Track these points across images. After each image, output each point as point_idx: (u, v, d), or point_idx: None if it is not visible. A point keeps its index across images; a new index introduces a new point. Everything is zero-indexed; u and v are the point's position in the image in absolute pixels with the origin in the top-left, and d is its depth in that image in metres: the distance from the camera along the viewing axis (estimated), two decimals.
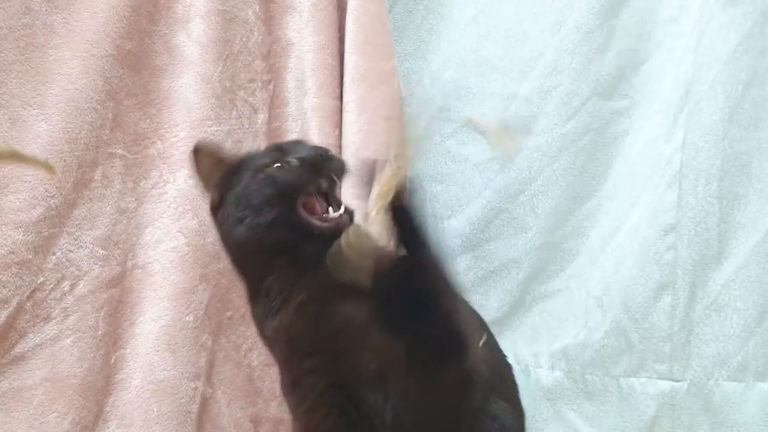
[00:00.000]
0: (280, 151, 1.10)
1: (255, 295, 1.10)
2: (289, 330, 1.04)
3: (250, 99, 1.46)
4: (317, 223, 1.02)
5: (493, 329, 1.60)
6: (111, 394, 1.32)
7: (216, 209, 1.11)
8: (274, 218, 1.02)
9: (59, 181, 1.25)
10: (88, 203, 1.31)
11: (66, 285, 1.28)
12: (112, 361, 1.32)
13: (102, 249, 1.32)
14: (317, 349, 1.02)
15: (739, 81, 1.45)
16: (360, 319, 1.00)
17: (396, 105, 1.53)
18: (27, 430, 1.23)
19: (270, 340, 1.11)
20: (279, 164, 1.05)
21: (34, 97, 1.25)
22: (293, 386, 1.06)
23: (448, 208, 1.66)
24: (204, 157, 1.14)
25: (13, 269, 1.22)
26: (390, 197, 0.95)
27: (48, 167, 1.09)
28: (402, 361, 0.99)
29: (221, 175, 1.10)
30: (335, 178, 1.06)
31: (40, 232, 1.24)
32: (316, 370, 1.02)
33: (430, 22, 1.68)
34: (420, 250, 0.98)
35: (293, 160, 1.06)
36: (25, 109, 1.24)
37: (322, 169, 1.05)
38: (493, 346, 1.33)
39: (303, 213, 1.02)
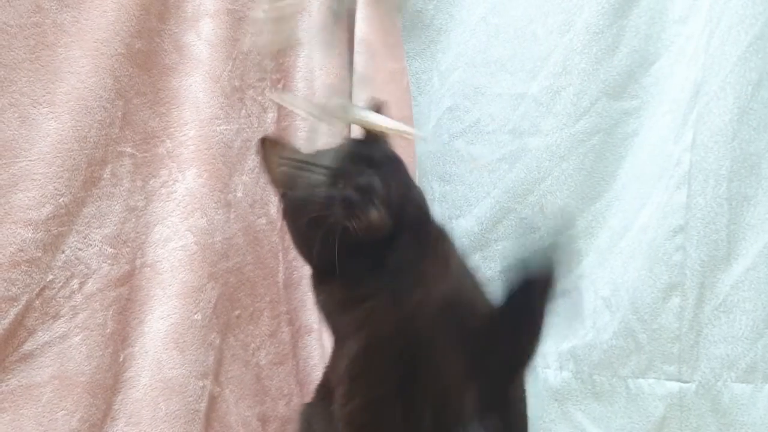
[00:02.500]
0: (336, 168, 1.06)
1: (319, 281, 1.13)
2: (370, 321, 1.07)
3: (260, 98, 1.47)
4: (354, 229, 1.01)
5: None
6: (119, 392, 1.32)
7: (280, 203, 1.14)
8: (319, 241, 1.03)
9: (68, 179, 1.25)
10: (97, 201, 1.31)
11: (75, 283, 1.28)
12: (121, 359, 1.32)
13: (111, 247, 1.32)
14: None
15: (748, 82, 1.45)
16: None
17: (405, 105, 1.53)
18: (35, 428, 1.23)
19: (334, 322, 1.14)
20: (326, 186, 1.05)
21: (44, 96, 1.25)
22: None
23: (456, 208, 1.66)
24: (269, 151, 1.13)
25: (23, 267, 1.22)
26: None
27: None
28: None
29: (283, 172, 1.11)
30: (372, 207, 1.03)
31: (50, 230, 1.24)
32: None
33: (439, 22, 1.68)
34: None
35: (340, 185, 1.04)
36: (34, 107, 1.24)
37: (354, 204, 1.02)
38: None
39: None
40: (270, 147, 1.13)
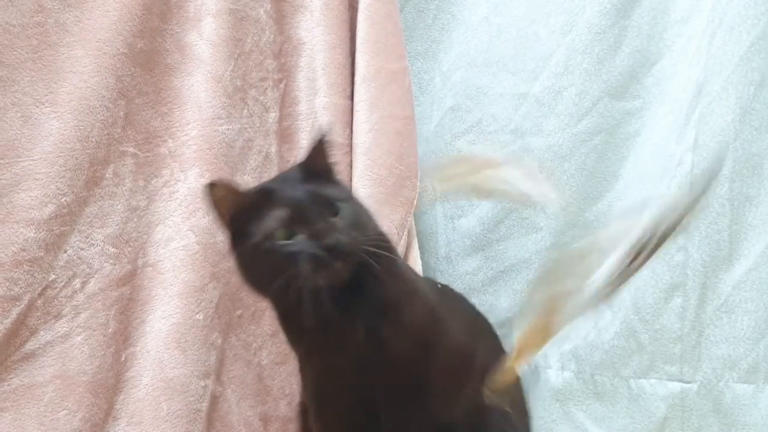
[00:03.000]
0: (292, 214, 1.03)
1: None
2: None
3: (261, 98, 1.47)
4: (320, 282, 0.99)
5: (503, 330, 1.61)
6: (121, 391, 1.32)
7: (229, 246, 1.10)
8: (279, 289, 1.00)
9: (70, 179, 1.25)
10: (99, 201, 1.31)
11: (77, 283, 1.28)
12: (123, 358, 1.32)
13: (113, 247, 1.32)
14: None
15: (751, 82, 1.45)
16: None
17: (407, 105, 1.54)
18: (37, 428, 1.23)
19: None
20: (284, 236, 1.02)
21: (46, 95, 1.25)
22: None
23: (458, 208, 1.66)
24: (215, 197, 1.07)
25: (25, 267, 1.22)
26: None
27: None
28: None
29: (234, 213, 1.07)
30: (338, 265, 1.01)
31: (52, 230, 1.24)
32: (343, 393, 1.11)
33: (442, 22, 1.68)
34: None
35: (300, 235, 1.01)
36: (37, 107, 1.24)
37: (320, 261, 0.99)
38: (497, 349, 1.34)
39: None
40: (219, 191, 1.07)
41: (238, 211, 1.05)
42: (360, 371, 1.07)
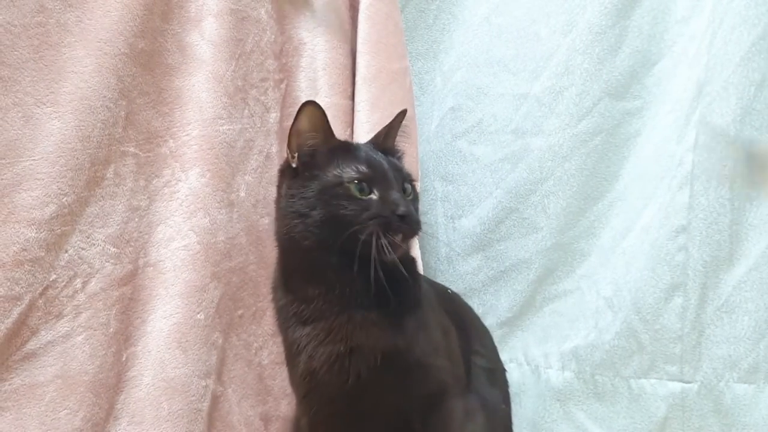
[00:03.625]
0: (372, 170, 1.07)
1: (287, 286, 1.14)
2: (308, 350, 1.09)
3: (263, 98, 1.47)
4: (388, 256, 1.02)
5: (504, 329, 1.62)
6: (122, 391, 1.32)
7: (284, 172, 1.14)
8: (328, 237, 1.04)
9: (71, 179, 1.26)
10: (100, 201, 1.31)
11: (78, 282, 1.28)
12: (124, 358, 1.32)
13: (114, 247, 1.32)
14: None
15: (751, 82, 1.44)
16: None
17: (408, 104, 1.53)
18: (38, 427, 1.23)
19: (285, 339, 1.16)
20: (360, 188, 1.05)
21: (48, 95, 1.25)
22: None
23: (459, 208, 1.66)
24: (313, 115, 1.10)
25: (26, 266, 1.22)
26: None
27: None
28: None
29: (315, 144, 1.10)
30: (401, 237, 1.05)
31: (53, 230, 1.24)
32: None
33: (442, 22, 1.68)
34: None
35: (374, 196, 1.05)
36: (38, 107, 1.24)
37: (392, 226, 1.03)
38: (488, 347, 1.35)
39: (366, 239, 1.02)
40: (314, 112, 1.09)
41: (320, 145, 1.10)
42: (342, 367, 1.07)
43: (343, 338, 1.06)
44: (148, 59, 1.35)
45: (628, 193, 1.57)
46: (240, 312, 1.43)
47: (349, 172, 1.06)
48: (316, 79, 1.51)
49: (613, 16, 1.55)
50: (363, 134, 1.47)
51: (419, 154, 1.56)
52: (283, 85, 1.51)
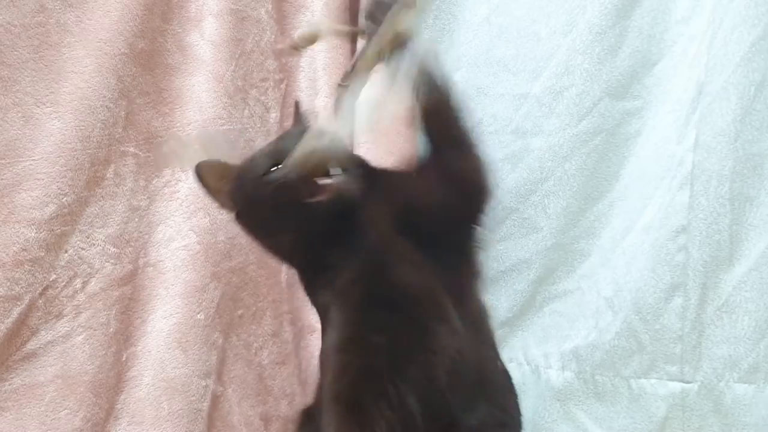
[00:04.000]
0: (276, 152, 1.07)
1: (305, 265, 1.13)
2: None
3: (263, 98, 1.47)
4: (316, 200, 1.02)
5: (504, 329, 1.62)
6: (122, 391, 1.32)
7: (238, 218, 1.13)
8: (284, 225, 1.05)
9: (71, 179, 1.26)
10: (100, 201, 1.31)
11: (78, 282, 1.29)
12: (124, 358, 1.32)
13: (114, 247, 1.32)
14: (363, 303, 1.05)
15: (752, 82, 1.44)
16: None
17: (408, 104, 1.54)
18: (38, 427, 1.24)
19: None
20: (274, 172, 1.04)
21: (48, 95, 1.25)
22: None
23: None
24: (204, 175, 1.10)
25: (26, 266, 1.22)
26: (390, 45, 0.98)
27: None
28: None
29: (228, 187, 1.09)
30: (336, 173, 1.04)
31: (53, 230, 1.25)
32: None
33: (442, 22, 1.68)
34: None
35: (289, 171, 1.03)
36: (38, 107, 1.25)
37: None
38: (487, 350, 1.34)
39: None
40: (207, 171, 1.10)
41: (229, 189, 1.09)
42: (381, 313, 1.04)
43: None
44: (148, 59, 1.35)
45: (628, 193, 1.57)
46: (240, 312, 1.43)
47: (256, 168, 1.06)
48: (316, 79, 1.52)
49: (613, 16, 1.54)
50: (363, 134, 1.48)
51: (419, 154, 1.56)
52: (283, 85, 1.51)
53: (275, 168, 1.03)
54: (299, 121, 1.17)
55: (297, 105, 1.21)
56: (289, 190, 1.01)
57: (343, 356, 1.04)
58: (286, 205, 1.03)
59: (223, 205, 1.12)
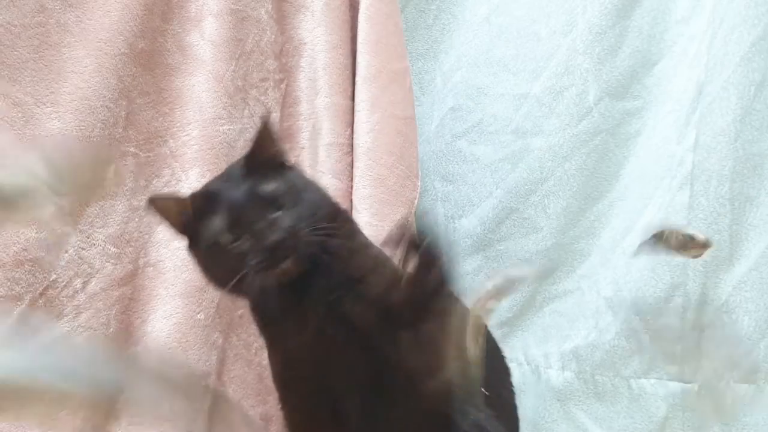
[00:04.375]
0: (234, 221, 1.01)
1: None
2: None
3: (263, 98, 1.47)
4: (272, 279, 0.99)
5: (504, 329, 1.62)
6: (122, 391, 1.32)
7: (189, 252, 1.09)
8: (232, 290, 1.02)
9: None
10: (100, 201, 1.31)
11: (78, 282, 1.28)
12: None
13: (114, 247, 1.32)
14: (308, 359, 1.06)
15: (751, 82, 1.45)
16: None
17: (408, 105, 1.54)
18: (38, 427, 1.23)
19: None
20: (230, 242, 1.00)
21: (48, 95, 1.25)
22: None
23: (459, 208, 1.66)
24: (164, 206, 1.06)
25: (26, 266, 1.22)
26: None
27: None
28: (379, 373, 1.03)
29: (183, 220, 1.06)
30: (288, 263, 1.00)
31: (53, 230, 1.24)
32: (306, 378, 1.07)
33: (442, 22, 1.68)
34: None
35: (245, 242, 0.99)
36: (38, 107, 1.24)
37: (269, 258, 0.98)
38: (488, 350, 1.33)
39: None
40: (162, 205, 1.06)
41: (186, 217, 1.04)
42: (324, 354, 1.04)
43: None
44: (148, 59, 1.35)
45: (628, 193, 1.57)
46: (240, 312, 1.43)
47: (212, 233, 1.01)
48: (316, 79, 1.51)
49: (613, 16, 1.55)
50: (363, 134, 1.48)
51: (419, 154, 1.56)
52: (283, 85, 1.51)
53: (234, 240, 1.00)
54: (265, 140, 1.10)
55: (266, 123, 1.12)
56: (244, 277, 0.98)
57: (282, 391, 1.12)
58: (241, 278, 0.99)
59: (177, 234, 1.08)
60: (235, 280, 0.97)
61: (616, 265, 1.56)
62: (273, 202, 1.02)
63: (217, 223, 1.01)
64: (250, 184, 1.03)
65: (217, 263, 1.03)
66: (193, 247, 1.06)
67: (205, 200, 1.04)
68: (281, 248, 0.98)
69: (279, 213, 1.01)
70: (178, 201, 1.06)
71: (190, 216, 1.04)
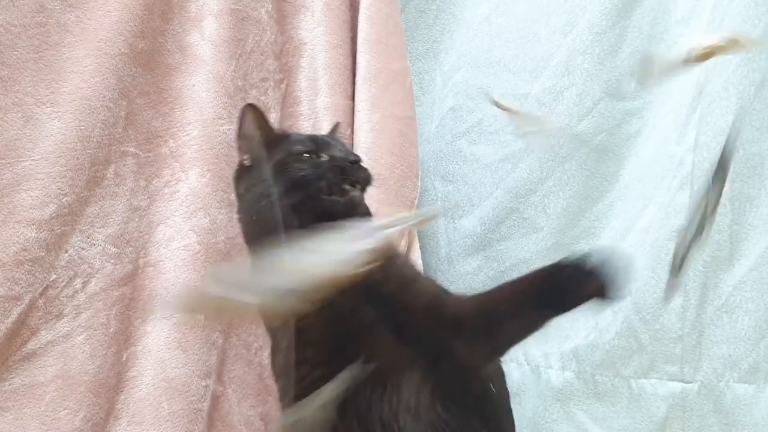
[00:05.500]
0: (315, 142, 1.14)
1: None
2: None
3: (263, 98, 1.47)
4: (336, 198, 1.07)
5: None
6: (122, 391, 1.32)
7: (241, 174, 1.17)
8: (293, 204, 1.05)
9: (71, 179, 1.26)
10: (100, 201, 1.31)
11: (78, 282, 1.28)
12: (124, 358, 1.32)
13: (114, 247, 1.32)
14: (320, 341, 1.03)
15: (751, 82, 1.45)
16: (370, 317, 1.02)
17: (408, 105, 1.54)
18: (38, 427, 1.23)
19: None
20: (309, 155, 1.10)
21: (48, 95, 1.25)
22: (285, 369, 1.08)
23: (459, 208, 1.66)
24: (253, 117, 1.16)
25: (26, 266, 1.22)
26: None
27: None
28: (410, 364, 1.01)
29: (260, 142, 1.14)
30: (358, 185, 1.10)
31: (53, 230, 1.24)
32: (315, 361, 1.03)
33: (443, 22, 1.68)
34: None
35: (324, 157, 1.11)
36: (38, 107, 1.24)
37: (346, 173, 1.09)
38: None
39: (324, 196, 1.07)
40: (254, 113, 1.16)
41: (265, 140, 1.14)
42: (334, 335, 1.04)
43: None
44: (148, 59, 1.35)
45: (628, 193, 1.57)
46: None
47: (296, 145, 1.12)
48: (316, 79, 1.51)
49: (614, 16, 1.55)
50: (363, 134, 1.48)
51: (419, 154, 1.56)
52: (283, 85, 1.51)
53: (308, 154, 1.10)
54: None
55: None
56: (319, 180, 1.06)
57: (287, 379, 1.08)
58: (304, 193, 1.06)
59: (244, 148, 1.16)
60: (303, 196, 1.05)
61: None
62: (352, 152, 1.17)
63: (300, 142, 1.13)
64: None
65: (284, 173, 1.08)
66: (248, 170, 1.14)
67: (286, 135, 1.19)
68: (360, 168, 1.11)
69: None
70: (268, 124, 1.18)
71: (270, 140, 1.14)
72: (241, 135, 1.16)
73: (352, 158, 1.11)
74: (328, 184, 1.06)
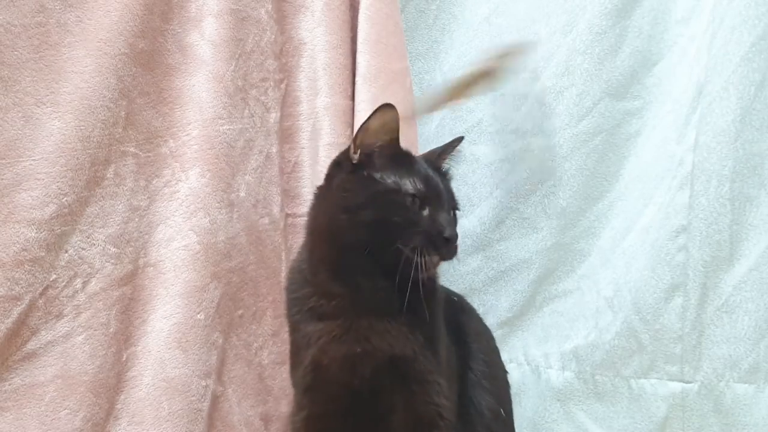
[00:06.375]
0: (428, 186, 1.10)
1: (310, 279, 1.14)
2: (319, 344, 1.10)
3: (263, 98, 1.47)
4: (422, 273, 1.04)
5: (504, 329, 1.62)
6: (122, 391, 1.32)
7: (338, 165, 1.15)
8: (370, 240, 1.06)
9: (72, 179, 1.25)
10: (100, 201, 1.31)
11: (78, 282, 1.28)
12: (124, 358, 1.32)
13: (114, 247, 1.32)
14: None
15: (751, 82, 1.45)
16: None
17: (408, 104, 1.53)
18: (38, 427, 1.23)
19: (294, 331, 1.17)
20: (414, 199, 1.08)
21: (48, 95, 1.25)
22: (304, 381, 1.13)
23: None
24: (388, 118, 1.10)
25: (26, 266, 1.22)
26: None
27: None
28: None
29: (380, 146, 1.11)
30: (438, 258, 1.08)
31: (53, 230, 1.24)
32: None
33: (443, 22, 1.68)
34: None
35: (426, 212, 1.08)
36: (38, 107, 1.24)
37: (438, 247, 1.06)
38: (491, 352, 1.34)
39: (408, 254, 1.04)
40: (390, 115, 1.10)
41: (385, 148, 1.11)
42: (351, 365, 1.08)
43: (359, 340, 1.07)
44: (148, 59, 1.35)
45: (628, 193, 1.57)
46: (240, 312, 1.43)
47: (407, 184, 1.09)
48: (316, 79, 1.51)
49: (613, 16, 1.55)
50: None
51: (419, 154, 1.56)
52: (283, 85, 1.51)
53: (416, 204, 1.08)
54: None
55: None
56: (407, 240, 1.05)
57: (304, 395, 1.14)
58: (386, 240, 1.05)
59: (355, 141, 1.12)
60: (396, 239, 1.04)
61: (616, 265, 1.56)
62: (455, 205, 1.16)
63: (413, 183, 1.09)
64: (442, 179, 1.17)
65: (380, 206, 1.07)
66: (352, 171, 1.12)
67: (409, 157, 1.14)
68: (451, 244, 1.07)
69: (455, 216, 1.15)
70: (397, 133, 1.12)
71: (391, 152, 1.11)
72: (365, 127, 1.11)
73: (448, 233, 1.07)
74: (414, 248, 1.03)
